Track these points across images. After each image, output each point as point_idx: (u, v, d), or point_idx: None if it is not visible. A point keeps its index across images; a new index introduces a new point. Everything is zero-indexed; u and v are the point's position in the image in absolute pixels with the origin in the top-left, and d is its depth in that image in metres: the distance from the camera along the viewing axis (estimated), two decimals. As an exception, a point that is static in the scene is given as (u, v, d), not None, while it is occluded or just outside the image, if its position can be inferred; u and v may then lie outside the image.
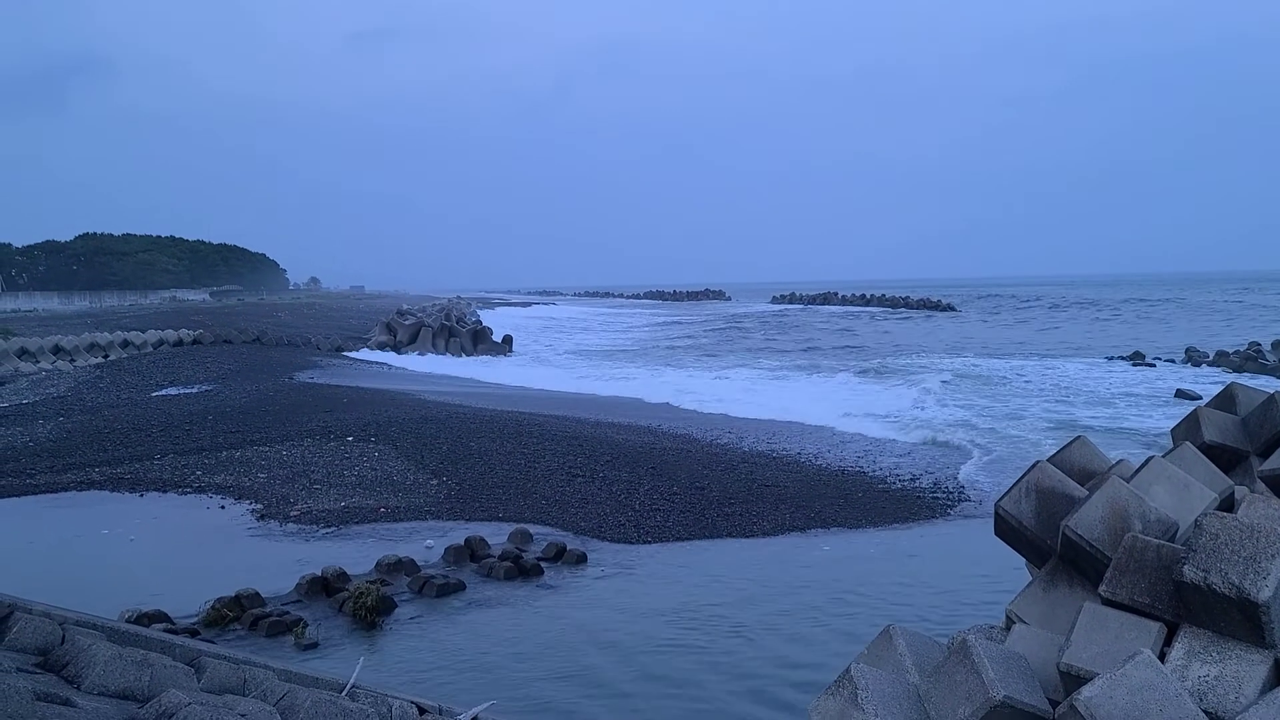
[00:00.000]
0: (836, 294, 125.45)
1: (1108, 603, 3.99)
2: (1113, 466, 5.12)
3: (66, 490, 14.38)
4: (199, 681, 4.46)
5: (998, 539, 5.24)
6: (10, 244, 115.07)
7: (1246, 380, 15.77)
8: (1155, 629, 3.82)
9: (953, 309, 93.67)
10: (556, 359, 44.17)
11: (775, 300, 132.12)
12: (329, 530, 12.37)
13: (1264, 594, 3.44)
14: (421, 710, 5.05)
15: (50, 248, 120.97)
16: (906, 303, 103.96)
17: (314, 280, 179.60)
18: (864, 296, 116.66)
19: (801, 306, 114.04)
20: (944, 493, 14.51)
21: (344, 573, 10.08)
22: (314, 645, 8.55)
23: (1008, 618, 4.66)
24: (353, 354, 41.99)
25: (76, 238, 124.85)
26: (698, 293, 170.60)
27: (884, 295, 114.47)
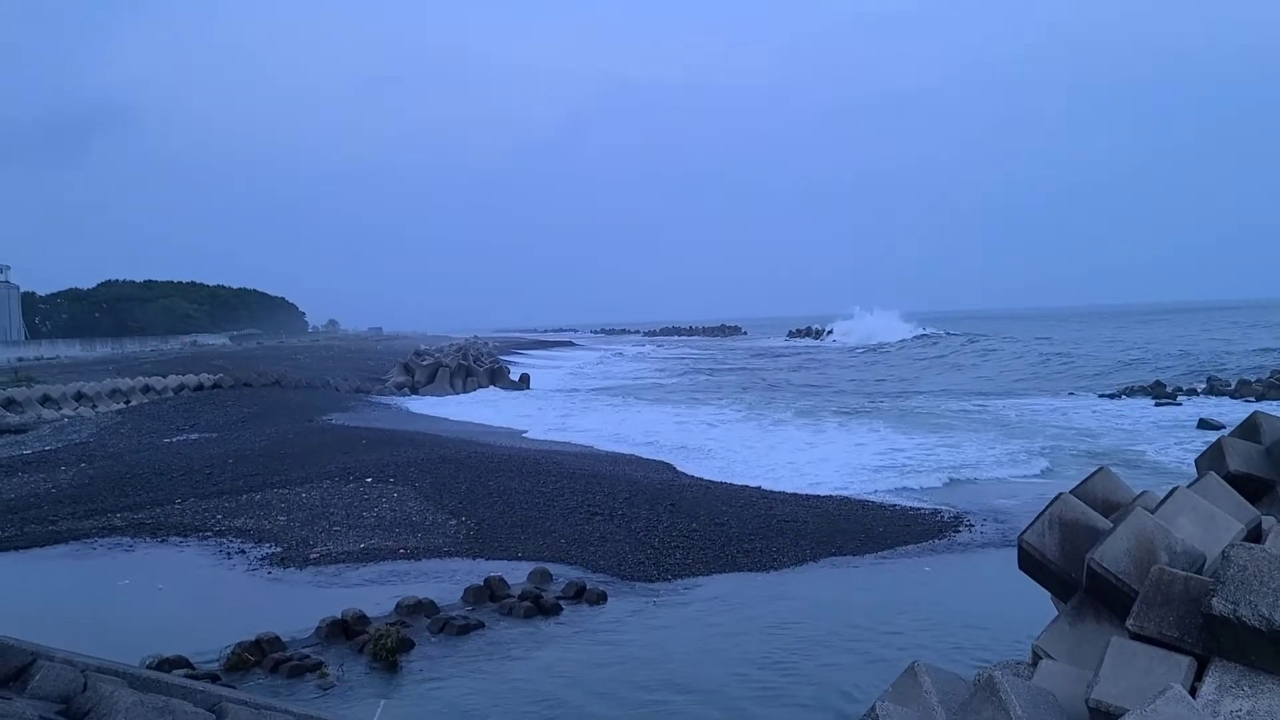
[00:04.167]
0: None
1: (1135, 636, 3.94)
2: (1136, 498, 5.07)
3: (89, 536, 14.44)
4: (220, 727, 4.45)
5: (1021, 573, 5.18)
6: (34, 292, 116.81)
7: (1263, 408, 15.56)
8: (1185, 663, 3.76)
9: (972, 341, 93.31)
10: (572, 398, 44.14)
11: (791, 335, 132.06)
12: (349, 572, 12.37)
13: (1295, 626, 3.38)
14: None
15: (73, 295, 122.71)
16: (928, 336, 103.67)
17: (332, 322, 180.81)
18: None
19: (814, 340, 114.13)
20: (966, 527, 14.36)
21: (364, 615, 10.06)
22: (334, 687, 8.51)
23: (1034, 653, 4.60)
24: (371, 395, 42.17)
25: (98, 285, 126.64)
26: (714, 328, 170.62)
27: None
